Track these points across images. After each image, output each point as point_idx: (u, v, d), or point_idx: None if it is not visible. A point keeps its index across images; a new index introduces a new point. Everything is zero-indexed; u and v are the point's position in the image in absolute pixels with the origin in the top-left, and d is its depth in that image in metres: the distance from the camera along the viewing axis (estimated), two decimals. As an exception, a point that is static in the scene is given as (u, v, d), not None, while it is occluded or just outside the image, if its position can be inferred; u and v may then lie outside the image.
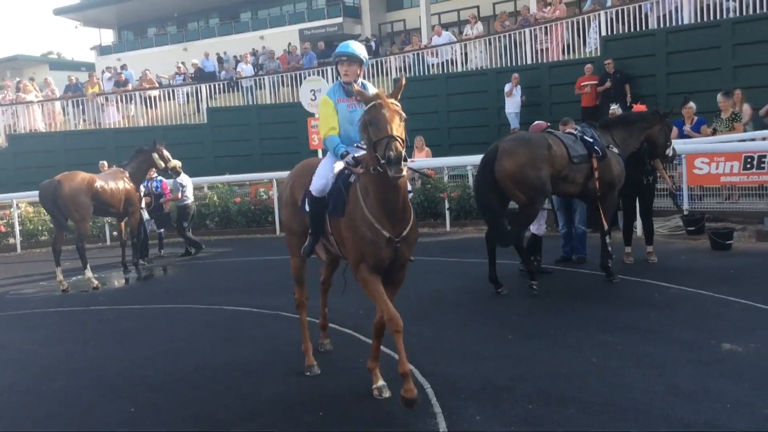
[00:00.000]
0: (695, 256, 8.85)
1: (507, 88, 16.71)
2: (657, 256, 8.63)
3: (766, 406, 4.11)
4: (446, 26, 25.45)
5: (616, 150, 7.82)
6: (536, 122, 8.69)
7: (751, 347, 5.17)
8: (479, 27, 20.17)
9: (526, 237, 8.04)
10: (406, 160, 4.04)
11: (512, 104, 16.70)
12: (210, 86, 22.13)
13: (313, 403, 4.74)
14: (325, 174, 4.90)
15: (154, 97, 21.99)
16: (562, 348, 5.50)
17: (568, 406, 4.36)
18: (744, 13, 14.24)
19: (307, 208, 5.07)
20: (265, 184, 15.04)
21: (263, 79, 21.78)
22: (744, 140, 10.94)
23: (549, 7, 18.87)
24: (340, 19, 33.92)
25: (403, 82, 4.53)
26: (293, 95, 20.30)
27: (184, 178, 12.36)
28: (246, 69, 22.78)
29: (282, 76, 21.61)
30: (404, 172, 4.07)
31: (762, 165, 9.94)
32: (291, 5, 37.07)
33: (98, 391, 5.32)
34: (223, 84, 22.51)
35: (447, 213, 12.96)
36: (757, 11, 13.94)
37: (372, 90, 4.77)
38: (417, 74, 19.61)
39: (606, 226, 7.70)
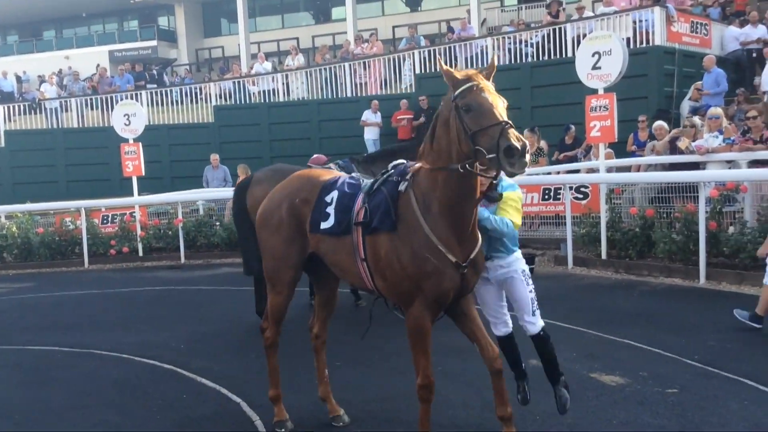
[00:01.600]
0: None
1: (364, 116, 16.95)
2: None
3: (568, 416, 4.51)
4: (266, 56, 25.52)
5: None
6: (315, 155, 8.94)
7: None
8: (300, 59, 20.47)
9: None
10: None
11: (371, 132, 16.88)
12: (7, 107, 20.36)
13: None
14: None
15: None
16: (387, 372, 5.68)
17: (394, 426, 4.51)
18: (540, 59, 15.75)
19: (325, 226, 4.07)
20: (72, 213, 14.03)
21: (69, 101, 20.44)
22: (549, 173, 11.99)
23: (367, 44, 19.64)
24: (154, 42, 32.82)
25: (496, 62, 3.79)
26: (104, 119, 19.28)
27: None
28: (50, 90, 21.25)
29: (90, 99, 20.43)
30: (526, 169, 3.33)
31: (558, 196, 10.99)
32: (100, 25, 35.32)
33: None
34: (24, 105, 20.81)
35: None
36: (551, 57, 15.48)
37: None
38: (238, 102, 19.45)
39: None
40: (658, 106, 13.53)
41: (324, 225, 4.07)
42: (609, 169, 10.57)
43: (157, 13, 34.15)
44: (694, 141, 9.88)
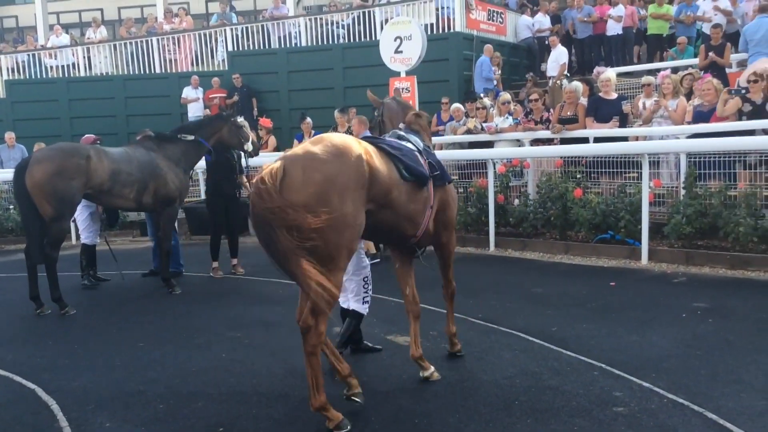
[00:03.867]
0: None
1: (185, 93, 16.27)
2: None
3: (365, 375, 4.84)
4: (66, 27, 23.74)
5: (172, 165, 7.87)
6: (86, 135, 8.82)
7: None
8: (103, 31, 19.32)
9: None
10: None
11: (194, 108, 16.20)
12: None
13: None
14: None
15: None
16: (192, 348, 5.71)
17: (197, 400, 4.59)
18: (351, 40, 16.16)
19: (416, 174, 4.38)
20: None
21: None
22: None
23: (177, 18, 18.96)
24: (-67, 8, 29.31)
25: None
26: None
27: None
28: None
29: None
30: None
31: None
32: None
33: None
34: None
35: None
36: (362, 39, 15.94)
37: None
38: (33, 76, 18.00)
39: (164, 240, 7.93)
40: (459, 88, 14.45)
41: (413, 174, 4.35)
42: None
43: (-64, -26, 30.49)
44: (485, 122, 10.71)
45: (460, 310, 6.28)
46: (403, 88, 10.39)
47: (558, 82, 13.05)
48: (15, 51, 19.52)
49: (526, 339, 5.55)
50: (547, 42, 15.37)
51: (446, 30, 15.05)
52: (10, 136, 14.04)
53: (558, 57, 14.01)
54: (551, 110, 10.28)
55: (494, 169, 9.27)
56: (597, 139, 9.31)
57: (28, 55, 18.40)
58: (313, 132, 13.07)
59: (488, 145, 10.43)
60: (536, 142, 9.98)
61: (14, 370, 5.30)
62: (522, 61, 16.54)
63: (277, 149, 12.84)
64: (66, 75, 17.98)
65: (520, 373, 4.81)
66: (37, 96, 17.22)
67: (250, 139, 8.51)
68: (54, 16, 27.22)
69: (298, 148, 4.10)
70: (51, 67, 18.14)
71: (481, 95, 12.62)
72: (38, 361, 5.58)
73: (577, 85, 10.02)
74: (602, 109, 9.66)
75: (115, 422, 4.31)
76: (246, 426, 4.19)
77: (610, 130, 9.40)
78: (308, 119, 12.57)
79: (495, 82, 14.08)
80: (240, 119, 8.58)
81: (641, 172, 7.99)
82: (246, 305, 7.11)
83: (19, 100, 17.35)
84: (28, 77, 18.06)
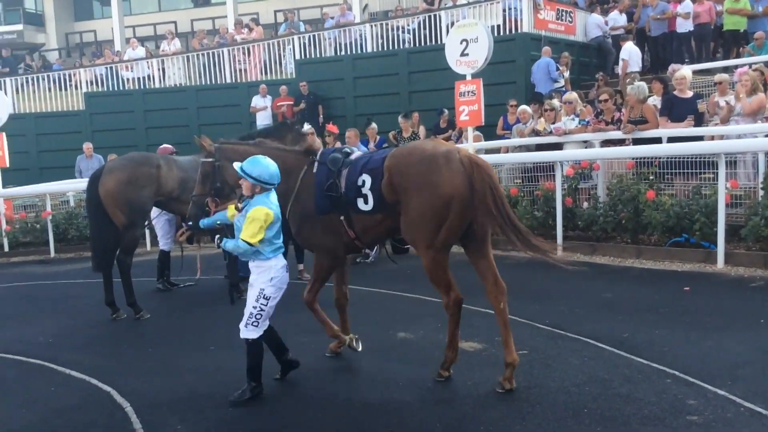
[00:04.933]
0: (382, 261, 9.83)
1: (254, 102, 16.63)
2: None
3: (429, 381, 4.83)
4: (142, 40, 24.68)
5: None
6: (163, 146, 9.01)
7: (420, 334, 6.00)
8: (177, 43, 19.96)
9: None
10: None
11: (263, 116, 16.53)
12: None
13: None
14: None
15: None
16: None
17: (266, 404, 4.66)
18: (417, 45, 16.16)
19: None
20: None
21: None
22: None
23: (246, 29, 19.41)
24: (20, 26, 30.99)
25: None
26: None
27: None
28: None
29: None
30: None
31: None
32: (-40, 7, 32.85)
33: None
34: None
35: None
36: (427, 43, 15.93)
37: None
38: (111, 89, 18.75)
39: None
40: (526, 90, 14.24)
41: None
42: (477, 152, 11.07)
43: (23, -6, 32.20)
44: (553, 123, 10.52)
45: (526, 315, 6.21)
46: (468, 92, 10.32)
47: (629, 81, 12.69)
48: (93, 64, 20.39)
49: (596, 345, 5.40)
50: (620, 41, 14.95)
51: (513, 31, 14.87)
52: (88, 146, 14.65)
53: (630, 55, 13.62)
54: (622, 110, 10.00)
55: (562, 171, 9.07)
56: (671, 139, 8.99)
57: (106, 68, 19.19)
58: (377, 137, 13.17)
59: (555, 147, 10.23)
60: (606, 143, 9.72)
61: (91, 373, 5.51)
62: (592, 61, 16.17)
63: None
64: (141, 87, 18.64)
65: (589, 380, 4.68)
66: (114, 107, 17.95)
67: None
68: (130, 29, 28.36)
69: None
70: (127, 79, 18.85)
71: (551, 95, 12.37)
72: (113, 364, 5.78)
73: (640, 86, 9.68)
74: (677, 108, 9.33)
75: (186, 425, 4.41)
76: (308, 429, 4.23)
77: (685, 129, 9.07)
78: (373, 124, 12.65)
79: (562, 83, 13.81)
80: (306, 127, 8.69)
81: (717, 173, 7.68)
82: (307, 310, 7.16)
83: (97, 112, 18.10)
84: (105, 89, 18.83)
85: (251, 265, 4.69)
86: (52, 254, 12.20)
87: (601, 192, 9.20)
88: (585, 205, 9.21)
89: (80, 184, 12.62)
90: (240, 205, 4.65)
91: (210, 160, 5.41)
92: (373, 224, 5.05)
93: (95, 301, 7.82)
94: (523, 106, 11.46)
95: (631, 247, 8.58)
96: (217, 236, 4.75)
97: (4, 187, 13.17)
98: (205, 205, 5.38)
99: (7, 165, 13.13)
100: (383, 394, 4.69)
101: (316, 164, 5.20)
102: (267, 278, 4.63)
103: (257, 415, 4.52)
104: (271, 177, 4.59)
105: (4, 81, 18.78)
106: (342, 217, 5.08)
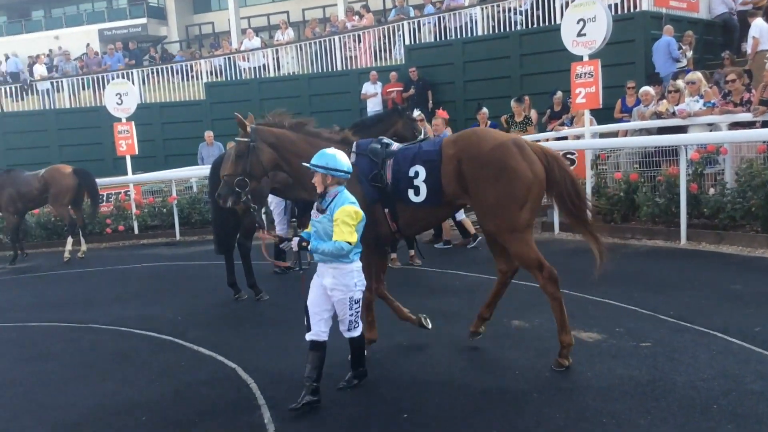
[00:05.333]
0: (483, 246, 9.73)
1: (364, 89, 16.87)
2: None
3: (547, 370, 4.75)
4: (256, 30, 25.45)
5: None
6: None
7: (535, 322, 5.90)
8: (290, 33, 20.45)
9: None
10: None
11: (373, 103, 16.71)
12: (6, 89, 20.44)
13: (136, 409, 4.71)
14: None
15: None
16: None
17: (378, 386, 4.74)
18: (529, 26, 15.79)
19: None
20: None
21: (61, 81, 20.47)
22: (538, 141, 12.09)
23: (357, 16, 19.61)
24: (144, 20, 32.71)
25: None
26: (96, 99, 19.35)
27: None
28: (40, 71, 21.27)
29: (82, 79, 20.46)
30: None
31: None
32: (89, 4, 35.12)
33: None
34: (15, 87, 20.85)
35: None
36: (540, 24, 15.52)
37: None
38: (228, 79, 19.49)
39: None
40: (645, 71, 13.62)
41: None
42: (593, 135, 10.72)
43: (147, -11, 33.98)
44: (677, 105, 10.00)
45: (649, 306, 5.98)
46: (585, 73, 9.99)
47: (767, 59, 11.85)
48: (212, 55, 21.26)
49: (724, 339, 5.12)
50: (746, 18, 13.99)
51: (632, 9, 14.23)
52: (209, 134, 15.33)
53: (761, 33, 12.73)
54: (752, 91, 9.37)
55: (686, 155, 8.62)
56: (808, 121, 8.35)
57: (224, 58, 19.96)
58: (488, 122, 12.99)
59: (678, 130, 9.74)
60: (734, 125, 9.15)
61: (217, 350, 5.79)
62: (717, 39, 15.24)
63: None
64: (257, 76, 19.27)
65: (719, 375, 4.45)
66: (232, 97, 18.64)
67: (423, 133, 8.60)
68: (245, 20, 29.32)
69: None
70: (244, 69, 19.53)
71: (673, 76, 11.77)
72: (237, 342, 6.05)
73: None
74: (816, 87, 8.66)
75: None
76: (428, 414, 4.26)
77: (825, 110, 8.41)
78: (484, 109, 12.48)
79: (685, 63, 13.09)
80: (416, 113, 8.69)
81: None
82: (423, 296, 7.21)
83: (217, 101, 18.87)
84: (224, 79, 19.60)
85: (328, 267, 4.42)
86: (178, 237, 12.88)
87: (729, 177, 8.68)
88: (711, 191, 8.73)
89: (202, 170, 13.23)
90: (321, 206, 4.40)
91: (246, 140, 5.35)
92: (419, 216, 5.01)
93: (217, 282, 8.20)
94: (646, 87, 10.96)
95: (761, 237, 8.05)
96: (295, 238, 4.47)
97: (133, 173, 14.02)
98: (236, 185, 5.30)
99: (136, 152, 13.95)
100: (499, 381, 4.66)
101: (353, 155, 5.05)
102: (351, 283, 4.43)
103: (375, 397, 4.59)
104: (339, 164, 4.35)
105: (132, 72, 19.91)
106: (387, 209, 5.00)
